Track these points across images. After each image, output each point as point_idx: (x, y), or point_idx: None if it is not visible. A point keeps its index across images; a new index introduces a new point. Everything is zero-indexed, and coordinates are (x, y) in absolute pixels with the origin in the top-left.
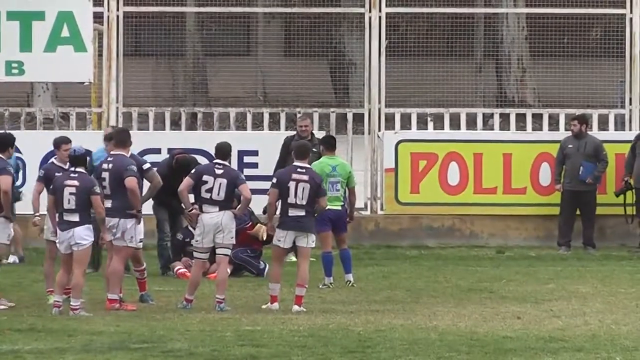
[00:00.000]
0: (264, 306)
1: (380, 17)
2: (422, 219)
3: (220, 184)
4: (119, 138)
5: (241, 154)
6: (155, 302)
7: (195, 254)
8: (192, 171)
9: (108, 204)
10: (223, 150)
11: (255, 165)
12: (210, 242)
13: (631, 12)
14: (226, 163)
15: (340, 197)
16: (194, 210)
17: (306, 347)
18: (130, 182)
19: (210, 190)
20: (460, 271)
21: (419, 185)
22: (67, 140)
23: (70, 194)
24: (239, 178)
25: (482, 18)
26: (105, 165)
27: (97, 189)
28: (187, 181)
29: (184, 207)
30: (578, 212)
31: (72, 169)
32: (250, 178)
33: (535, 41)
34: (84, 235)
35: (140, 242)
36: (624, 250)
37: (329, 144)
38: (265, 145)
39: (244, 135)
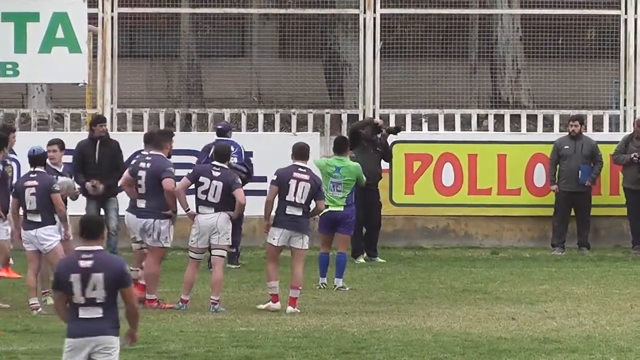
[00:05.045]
0: (263, 306)
1: (374, 18)
2: (416, 220)
3: (216, 186)
4: (156, 140)
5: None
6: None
7: (190, 254)
8: (190, 172)
9: (142, 204)
10: (223, 153)
11: None
12: (204, 243)
13: (626, 13)
14: (224, 166)
15: (342, 199)
16: (189, 211)
17: (300, 348)
18: (168, 183)
19: (206, 192)
20: (455, 272)
21: (413, 186)
22: (53, 142)
23: (31, 194)
24: (235, 182)
25: (477, 19)
26: (142, 165)
27: (57, 187)
28: (184, 181)
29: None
30: (572, 213)
31: (32, 169)
32: None
33: (529, 42)
34: (46, 235)
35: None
36: (618, 251)
37: (338, 146)
38: (260, 146)
39: (238, 136)
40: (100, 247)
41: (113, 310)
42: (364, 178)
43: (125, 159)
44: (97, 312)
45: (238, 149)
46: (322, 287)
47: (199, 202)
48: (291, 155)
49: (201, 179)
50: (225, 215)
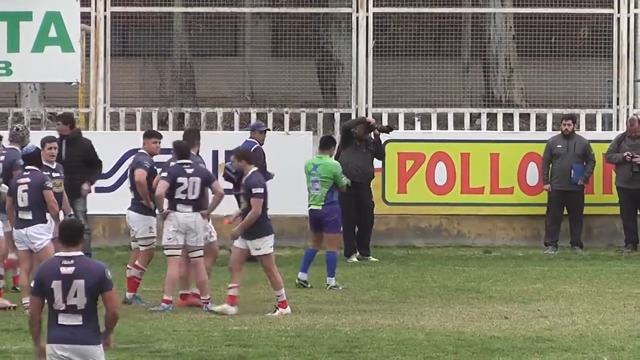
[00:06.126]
0: (275, 313)
1: (367, 17)
2: (409, 219)
3: (194, 182)
4: (189, 138)
5: (228, 154)
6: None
7: (169, 252)
8: (165, 175)
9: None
10: (185, 150)
11: None
12: (182, 240)
13: (619, 11)
14: (191, 161)
15: (321, 197)
16: (164, 211)
17: (293, 347)
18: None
19: (185, 191)
20: (448, 271)
21: (406, 185)
22: (51, 139)
23: (23, 191)
24: (211, 175)
25: (470, 18)
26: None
27: (49, 184)
28: (163, 185)
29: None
30: (565, 212)
31: (26, 167)
32: None
33: (522, 41)
34: (37, 234)
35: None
36: (611, 250)
37: (321, 144)
38: None
39: (231, 135)
40: (80, 253)
41: (93, 317)
42: (344, 180)
43: (119, 157)
44: (76, 320)
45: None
46: (299, 284)
47: (177, 201)
48: (245, 161)
49: (179, 179)
50: (200, 216)
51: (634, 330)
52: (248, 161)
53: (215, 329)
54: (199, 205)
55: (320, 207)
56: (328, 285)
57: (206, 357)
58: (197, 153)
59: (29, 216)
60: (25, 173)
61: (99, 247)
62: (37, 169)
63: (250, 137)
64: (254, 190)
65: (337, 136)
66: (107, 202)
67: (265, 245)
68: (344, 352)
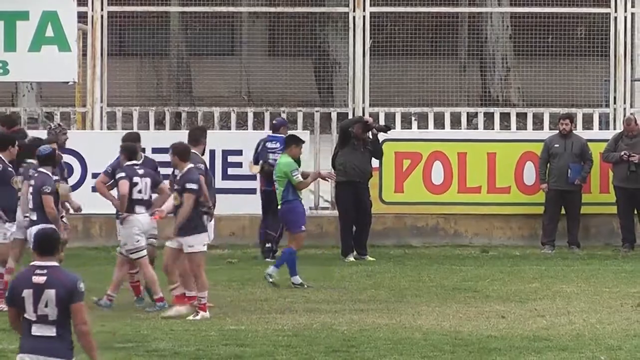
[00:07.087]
0: (197, 317)
1: (364, 17)
2: (406, 218)
3: (145, 183)
4: (195, 136)
5: (225, 153)
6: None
7: (138, 254)
8: (123, 175)
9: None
10: (133, 151)
11: (239, 165)
12: (145, 241)
13: (616, 11)
14: (139, 162)
15: (279, 195)
16: (123, 215)
17: (290, 346)
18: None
19: (141, 191)
20: (445, 270)
21: (403, 185)
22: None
23: (30, 193)
24: (159, 175)
25: (467, 17)
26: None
27: (47, 189)
28: (126, 184)
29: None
30: (562, 211)
31: (38, 168)
32: (234, 177)
33: (519, 40)
34: None
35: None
36: (608, 250)
37: (285, 143)
38: (250, 145)
39: (228, 134)
40: (55, 263)
41: (68, 329)
42: (295, 178)
43: (116, 157)
44: (50, 331)
45: (282, 147)
46: (293, 286)
47: (135, 202)
48: (178, 157)
49: (134, 179)
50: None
51: (631, 330)
52: (182, 158)
53: (212, 328)
54: (149, 205)
55: (280, 206)
56: (266, 273)
57: (203, 357)
58: (203, 152)
59: (34, 217)
60: (35, 175)
61: (96, 247)
62: (45, 171)
63: (279, 133)
64: (188, 186)
65: (335, 135)
66: (103, 201)
67: (197, 243)
68: (341, 352)
